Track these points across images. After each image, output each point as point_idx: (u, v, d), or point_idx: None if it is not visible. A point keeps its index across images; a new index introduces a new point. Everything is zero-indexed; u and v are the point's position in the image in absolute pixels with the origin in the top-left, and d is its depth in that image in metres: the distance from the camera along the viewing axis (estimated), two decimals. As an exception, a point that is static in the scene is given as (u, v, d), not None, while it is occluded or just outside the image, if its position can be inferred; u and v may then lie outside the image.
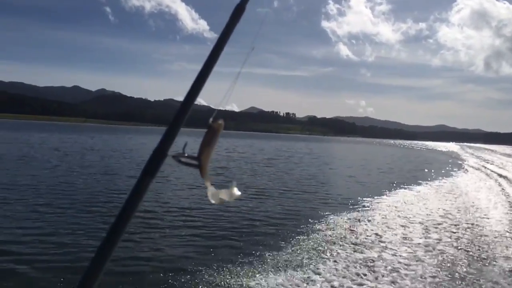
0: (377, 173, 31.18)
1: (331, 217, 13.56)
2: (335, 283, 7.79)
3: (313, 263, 8.81)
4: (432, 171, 33.31)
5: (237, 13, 1.18)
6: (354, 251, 9.80)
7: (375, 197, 17.94)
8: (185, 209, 14.06)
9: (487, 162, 46.63)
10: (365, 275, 8.27)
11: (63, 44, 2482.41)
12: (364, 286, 7.72)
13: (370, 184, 22.92)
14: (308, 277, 8.01)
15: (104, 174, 22.22)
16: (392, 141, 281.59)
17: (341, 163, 41.51)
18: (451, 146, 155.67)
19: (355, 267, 8.68)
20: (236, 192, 1.03)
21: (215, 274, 8.09)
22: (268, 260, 8.95)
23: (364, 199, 17.24)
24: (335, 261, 9.05)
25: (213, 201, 1.02)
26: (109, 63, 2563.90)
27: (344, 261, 9.05)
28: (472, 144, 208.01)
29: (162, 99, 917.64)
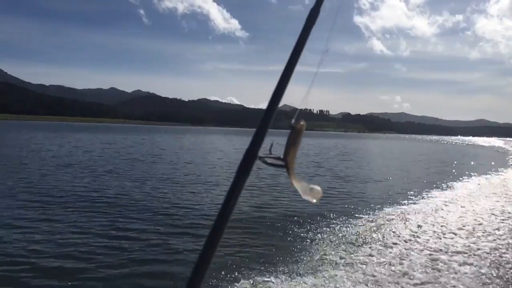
0: (420, 169, 31.71)
1: (378, 213, 13.28)
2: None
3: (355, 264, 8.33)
4: (476, 167, 33.19)
5: (313, 16, 1.21)
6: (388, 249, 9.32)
7: (418, 196, 17.43)
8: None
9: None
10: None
11: (100, 47, 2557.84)
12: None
13: (411, 181, 22.90)
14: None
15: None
16: (433, 137, 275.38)
17: (390, 159, 42.52)
18: (494, 141, 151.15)
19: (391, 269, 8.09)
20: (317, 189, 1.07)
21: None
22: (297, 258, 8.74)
23: (408, 196, 17.27)
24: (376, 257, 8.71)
25: (305, 197, 1.07)
26: (144, 64, 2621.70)
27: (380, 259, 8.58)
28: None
29: (196, 99, 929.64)
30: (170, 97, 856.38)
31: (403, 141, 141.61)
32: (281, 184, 18.58)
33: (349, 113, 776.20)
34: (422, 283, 7.41)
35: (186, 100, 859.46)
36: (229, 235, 9.73)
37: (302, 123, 1.05)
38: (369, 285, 7.28)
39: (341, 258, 8.68)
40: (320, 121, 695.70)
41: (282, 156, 1.04)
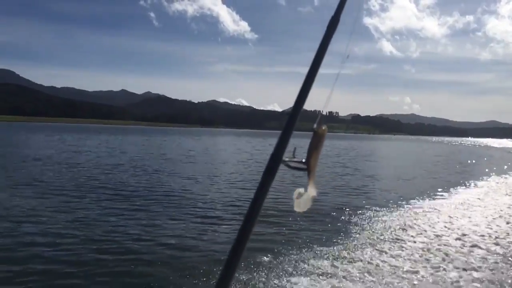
0: (442, 169, 32.80)
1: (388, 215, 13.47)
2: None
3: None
4: (493, 167, 33.88)
5: (333, 24, 1.23)
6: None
7: (447, 192, 18.86)
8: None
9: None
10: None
11: (110, 49, 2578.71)
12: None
13: (438, 180, 24.03)
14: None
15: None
16: (445, 139, 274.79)
17: (410, 159, 44.11)
18: (506, 143, 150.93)
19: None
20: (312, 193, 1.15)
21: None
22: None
23: (438, 193, 18.57)
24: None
25: (295, 205, 1.15)
26: (154, 66, 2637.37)
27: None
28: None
29: (205, 101, 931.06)
30: (179, 99, 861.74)
31: (416, 142, 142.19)
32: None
33: (358, 115, 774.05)
34: (461, 269, 8.11)
35: (196, 101, 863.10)
36: (267, 227, 10.76)
37: (324, 127, 1.13)
38: (406, 275, 7.77)
39: (382, 249, 9.44)
40: (329, 122, 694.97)
41: (304, 160, 1.12)
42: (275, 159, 1.12)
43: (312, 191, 1.13)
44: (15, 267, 7.80)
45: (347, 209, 14.01)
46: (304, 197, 1.14)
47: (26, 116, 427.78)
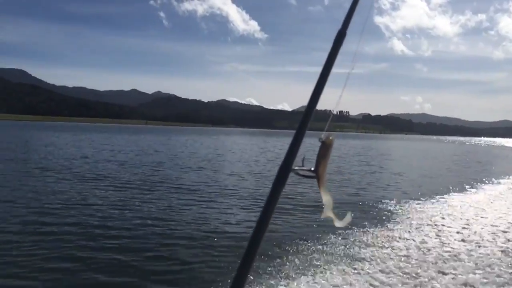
0: (462, 168, 33.92)
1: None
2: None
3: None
4: (509, 168, 34.91)
5: (339, 38, 1.26)
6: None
7: (474, 188, 20.05)
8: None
9: None
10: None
11: (121, 49, 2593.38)
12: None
13: (462, 178, 25.06)
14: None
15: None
16: (458, 139, 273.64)
17: (429, 158, 45.14)
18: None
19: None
20: (348, 219, 1.20)
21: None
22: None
23: (465, 189, 19.82)
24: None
25: (323, 216, 1.18)
26: (164, 66, 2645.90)
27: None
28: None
29: (215, 100, 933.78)
30: (189, 98, 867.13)
31: (430, 142, 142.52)
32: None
33: (369, 114, 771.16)
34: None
35: (206, 101, 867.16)
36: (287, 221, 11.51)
37: (331, 137, 1.17)
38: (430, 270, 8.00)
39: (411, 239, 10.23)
40: (340, 122, 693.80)
41: (313, 168, 1.17)
42: (285, 168, 1.18)
43: (326, 198, 1.19)
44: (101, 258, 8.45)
45: (387, 202, 15.67)
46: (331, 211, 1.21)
47: (40, 116, 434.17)
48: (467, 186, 20.95)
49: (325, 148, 1.16)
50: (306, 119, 1.21)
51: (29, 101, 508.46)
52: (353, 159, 39.10)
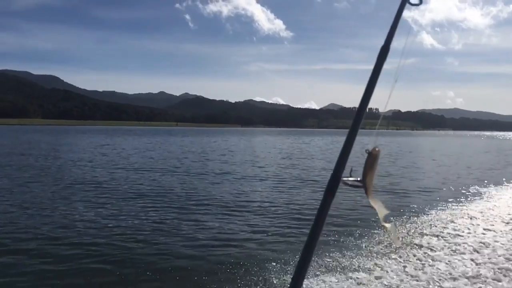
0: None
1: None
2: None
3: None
4: None
5: (383, 53, 1.31)
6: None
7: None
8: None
9: None
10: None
11: (148, 52, 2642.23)
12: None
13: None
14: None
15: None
16: (496, 134, 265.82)
17: (483, 153, 43.88)
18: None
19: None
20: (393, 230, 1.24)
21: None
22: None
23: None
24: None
25: (383, 224, 1.20)
26: (190, 68, 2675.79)
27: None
28: None
29: (242, 100, 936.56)
30: (217, 99, 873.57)
31: (468, 137, 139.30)
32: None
33: (399, 110, 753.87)
34: None
35: (233, 101, 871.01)
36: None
37: (377, 149, 1.20)
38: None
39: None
40: (369, 119, 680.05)
41: (360, 179, 1.20)
42: (335, 180, 1.22)
43: (377, 206, 1.22)
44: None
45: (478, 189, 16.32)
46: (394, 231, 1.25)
47: (74, 120, 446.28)
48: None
49: (372, 159, 1.19)
50: (352, 135, 1.25)
51: (63, 106, 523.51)
52: (415, 155, 39.24)
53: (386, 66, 1.36)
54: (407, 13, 1.44)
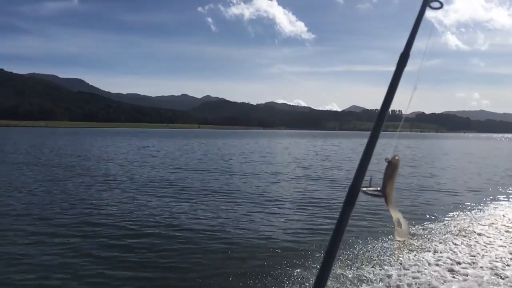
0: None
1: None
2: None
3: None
4: None
5: (403, 60, 1.31)
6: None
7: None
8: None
9: None
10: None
11: (171, 55, 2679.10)
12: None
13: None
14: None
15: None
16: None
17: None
18: None
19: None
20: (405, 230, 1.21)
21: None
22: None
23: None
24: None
25: (398, 238, 1.20)
26: (212, 70, 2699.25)
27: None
28: None
29: (264, 103, 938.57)
30: (238, 102, 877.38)
31: (498, 141, 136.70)
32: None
33: (423, 112, 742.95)
34: None
35: (254, 104, 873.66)
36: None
37: (397, 157, 1.19)
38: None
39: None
40: (393, 121, 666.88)
41: (380, 188, 1.19)
42: (354, 190, 1.21)
43: (395, 217, 1.21)
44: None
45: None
46: (404, 225, 1.22)
47: (100, 122, 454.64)
48: None
49: (391, 168, 1.19)
50: (371, 145, 1.26)
51: (89, 108, 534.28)
52: (448, 158, 39.80)
53: (409, 67, 1.36)
54: (430, 14, 1.40)
